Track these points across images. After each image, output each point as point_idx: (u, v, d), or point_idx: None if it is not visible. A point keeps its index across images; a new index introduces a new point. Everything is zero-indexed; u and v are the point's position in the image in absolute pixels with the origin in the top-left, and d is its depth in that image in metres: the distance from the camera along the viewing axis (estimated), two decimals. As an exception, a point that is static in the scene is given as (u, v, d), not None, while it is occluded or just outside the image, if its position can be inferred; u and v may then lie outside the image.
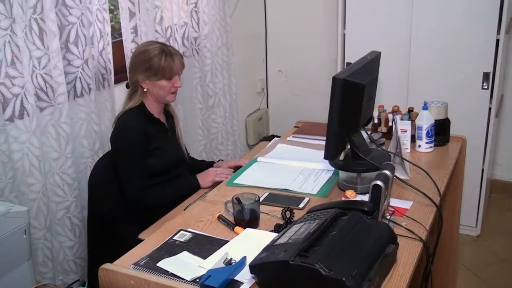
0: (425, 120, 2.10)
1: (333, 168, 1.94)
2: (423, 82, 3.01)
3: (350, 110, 1.72)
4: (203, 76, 3.05)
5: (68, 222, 2.21)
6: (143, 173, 2.11)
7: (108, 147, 2.24)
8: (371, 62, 1.86)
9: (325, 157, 1.77)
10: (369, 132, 2.07)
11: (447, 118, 2.21)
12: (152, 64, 2.09)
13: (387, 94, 2.89)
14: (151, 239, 1.59)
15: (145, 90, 2.14)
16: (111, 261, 1.45)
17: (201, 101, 3.08)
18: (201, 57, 3.01)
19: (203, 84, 3.06)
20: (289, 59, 3.80)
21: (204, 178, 2.22)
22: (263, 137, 3.86)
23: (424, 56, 2.97)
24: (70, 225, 2.22)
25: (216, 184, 2.10)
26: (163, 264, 1.42)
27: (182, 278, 1.36)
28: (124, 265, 1.44)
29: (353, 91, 1.68)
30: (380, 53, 1.94)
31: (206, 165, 2.47)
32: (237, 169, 2.23)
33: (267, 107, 3.99)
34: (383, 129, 2.28)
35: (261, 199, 1.75)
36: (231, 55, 3.23)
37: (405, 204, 1.72)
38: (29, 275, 1.77)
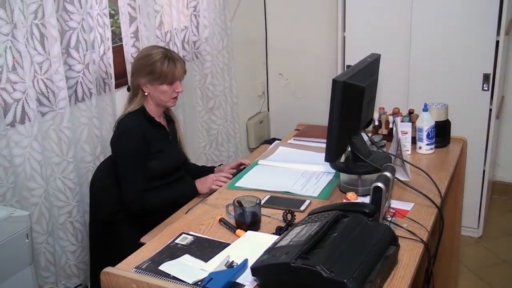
0: (426, 122, 2.10)
1: (334, 171, 1.95)
2: (423, 83, 3.01)
3: (351, 113, 1.73)
4: (203, 79, 3.06)
5: (70, 226, 2.22)
6: (142, 175, 2.12)
7: (109, 151, 2.24)
8: (371, 64, 1.86)
9: (326, 160, 1.77)
10: (369, 134, 2.07)
11: (448, 119, 2.21)
12: (154, 68, 2.10)
13: (388, 96, 2.89)
14: (153, 242, 1.60)
15: (146, 93, 2.15)
16: (113, 265, 1.45)
17: (201, 104, 3.08)
18: (201, 60, 3.02)
19: (203, 87, 3.07)
20: (289, 62, 3.80)
21: (203, 184, 2.21)
22: (264, 140, 3.86)
23: (424, 58, 2.97)
24: (72, 230, 2.22)
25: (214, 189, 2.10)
26: (165, 267, 1.42)
27: (184, 281, 1.36)
28: (126, 268, 1.44)
29: (353, 94, 1.68)
30: (380, 55, 1.95)
31: (206, 170, 2.47)
32: (239, 171, 2.24)
33: (268, 110, 4.00)
34: (383, 131, 2.28)
35: (262, 202, 1.76)
36: (232, 58, 3.24)
37: (406, 206, 1.72)
38: (31, 280, 1.78)
